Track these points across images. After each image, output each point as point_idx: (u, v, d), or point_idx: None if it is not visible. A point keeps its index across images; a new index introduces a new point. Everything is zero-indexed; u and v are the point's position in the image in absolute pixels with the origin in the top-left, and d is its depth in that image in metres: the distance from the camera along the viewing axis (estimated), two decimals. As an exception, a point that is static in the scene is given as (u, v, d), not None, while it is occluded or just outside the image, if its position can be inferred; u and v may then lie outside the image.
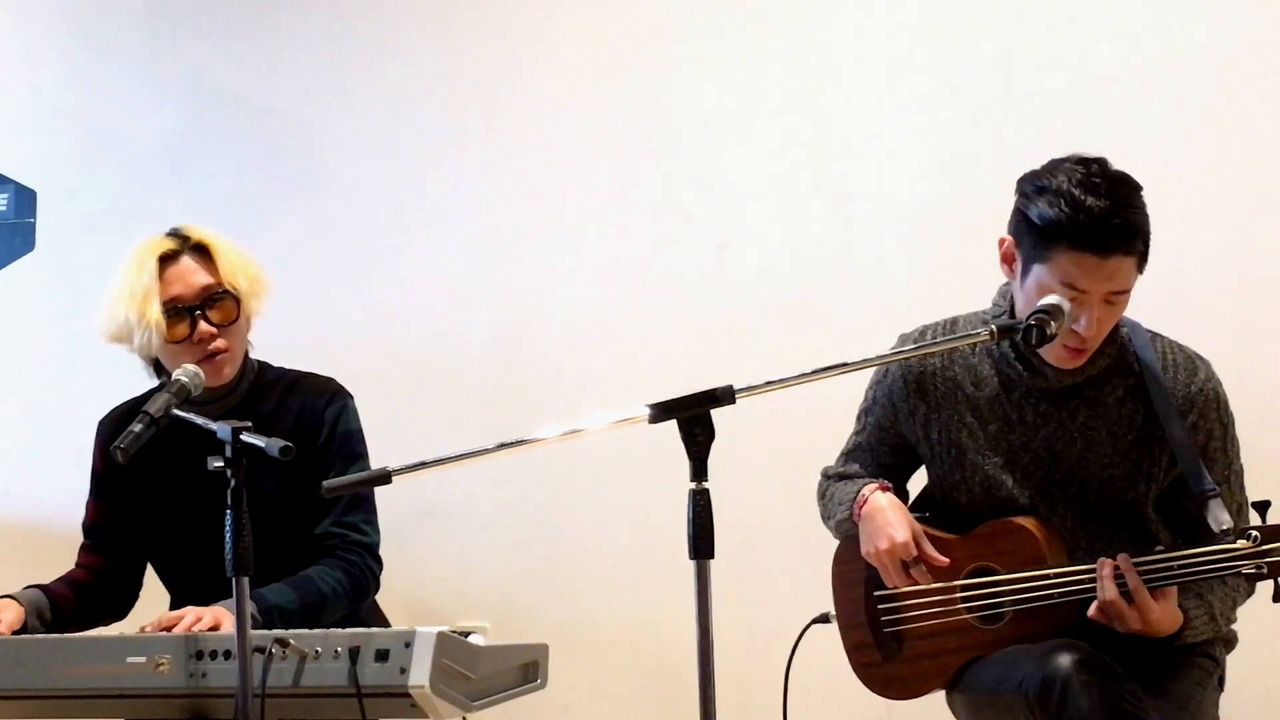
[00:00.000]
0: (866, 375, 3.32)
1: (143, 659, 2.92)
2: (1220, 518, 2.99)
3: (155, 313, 3.33)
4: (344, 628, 2.91)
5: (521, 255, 4.77)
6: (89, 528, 3.55)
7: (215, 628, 3.06)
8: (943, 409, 3.21)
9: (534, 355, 4.75)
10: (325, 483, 2.82)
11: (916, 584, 3.15)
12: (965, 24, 4.40)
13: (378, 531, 3.47)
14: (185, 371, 3.21)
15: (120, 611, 3.56)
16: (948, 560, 3.14)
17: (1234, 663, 3.23)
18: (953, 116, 4.41)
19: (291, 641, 2.83)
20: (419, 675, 2.74)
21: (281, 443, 2.81)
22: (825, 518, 3.39)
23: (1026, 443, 3.14)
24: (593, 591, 4.67)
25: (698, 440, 2.56)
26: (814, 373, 2.70)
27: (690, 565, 2.55)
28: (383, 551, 3.47)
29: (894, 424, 3.29)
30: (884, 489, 3.23)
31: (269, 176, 4.98)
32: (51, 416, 5.00)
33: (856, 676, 3.34)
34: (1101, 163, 3.01)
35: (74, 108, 5.13)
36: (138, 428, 3.02)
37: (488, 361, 4.79)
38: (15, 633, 3.25)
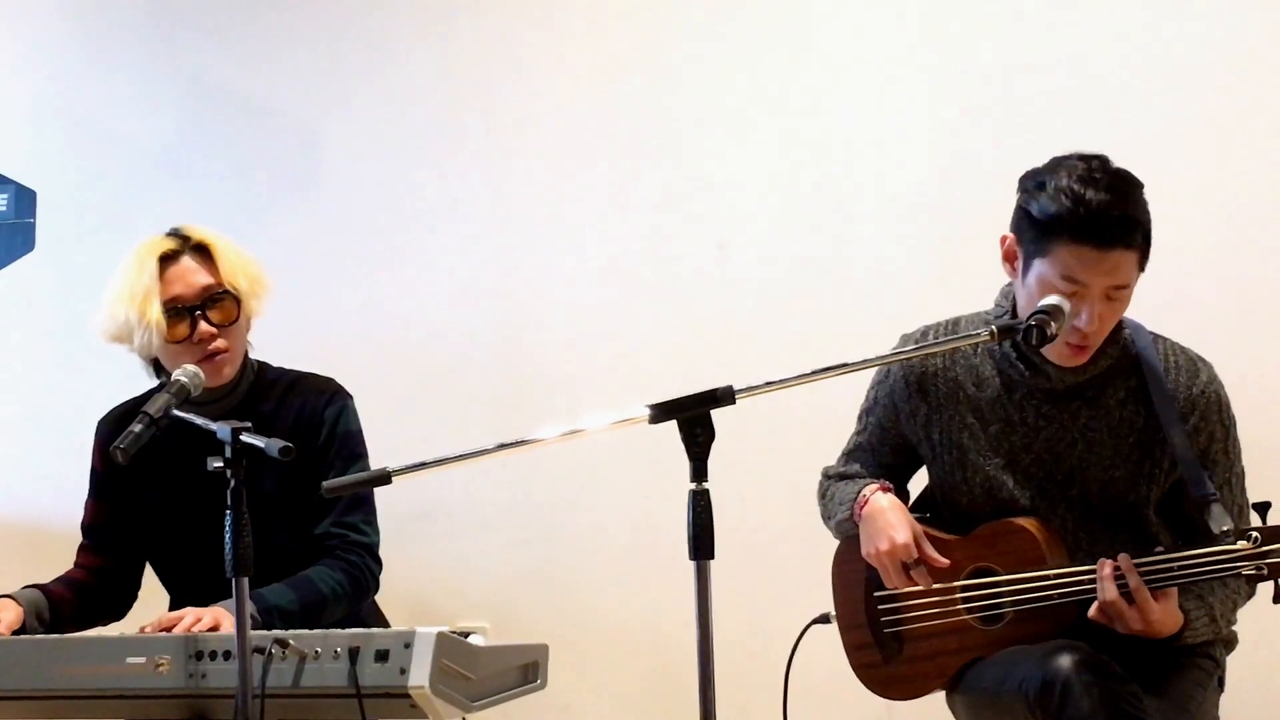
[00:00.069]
0: (867, 375, 3.32)
1: (142, 659, 2.92)
2: (1221, 522, 2.99)
3: (155, 313, 3.33)
4: (344, 628, 2.90)
5: (522, 255, 4.77)
6: (88, 528, 3.55)
7: (215, 628, 3.06)
8: (944, 409, 3.21)
9: (534, 355, 4.75)
10: (325, 483, 2.82)
11: (916, 585, 3.15)
12: (965, 24, 4.40)
13: (377, 532, 3.47)
14: (185, 372, 3.21)
15: (119, 612, 3.56)
16: (948, 562, 3.14)
17: (1234, 663, 3.23)
18: (953, 116, 4.40)
19: (291, 642, 2.83)
20: (419, 676, 2.74)
21: (281, 443, 2.81)
22: (826, 517, 3.39)
23: (1028, 444, 3.14)
24: (593, 591, 4.67)
25: (698, 441, 2.56)
26: (814, 373, 2.70)
27: (690, 565, 2.55)
28: (383, 551, 3.47)
29: (895, 424, 3.29)
30: (885, 490, 3.23)
31: (269, 176, 4.98)
32: (51, 416, 5.00)
33: (856, 677, 3.34)
34: (1103, 159, 3.02)
35: (74, 108, 5.13)
36: (137, 428, 3.02)
37: (487, 361, 4.79)
38: (15, 633, 3.26)
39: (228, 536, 2.79)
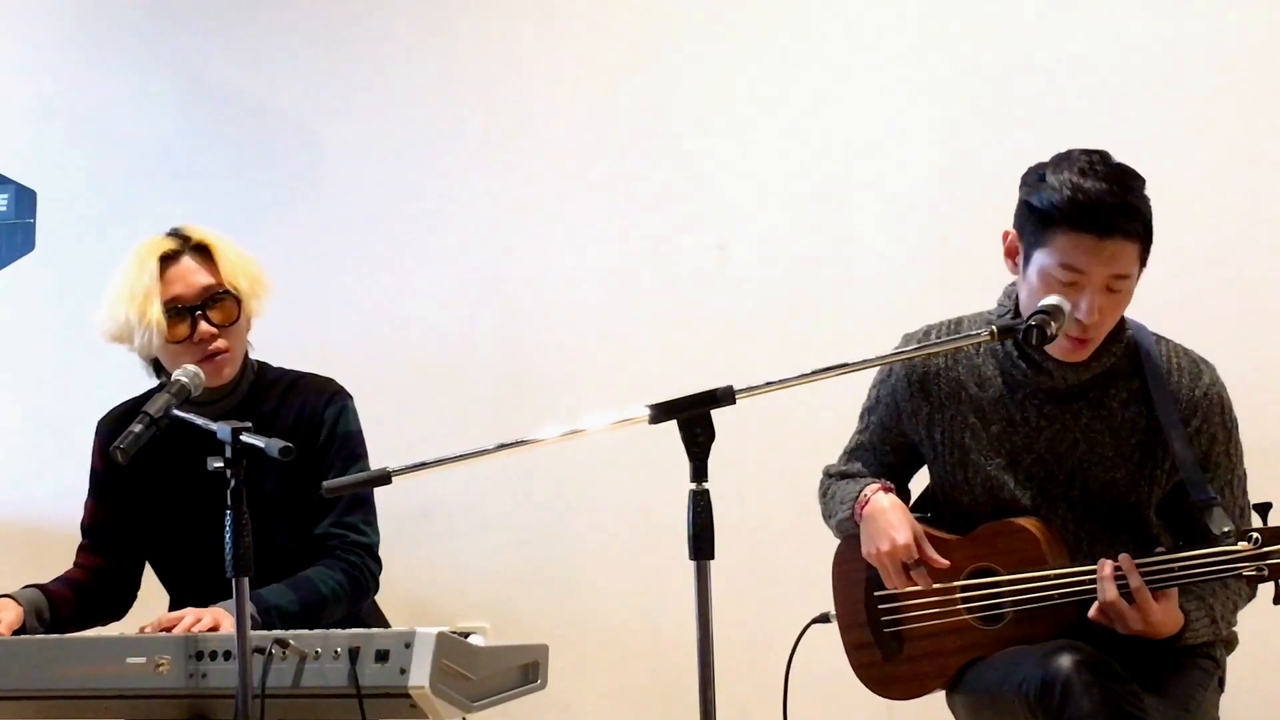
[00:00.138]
0: (867, 375, 3.32)
1: (142, 659, 2.92)
2: (1221, 524, 2.98)
3: (156, 313, 3.33)
4: (344, 628, 2.90)
5: (521, 255, 4.77)
6: (88, 528, 3.55)
7: (215, 628, 3.06)
8: (946, 409, 3.21)
9: (534, 355, 4.75)
10: (325, 483, 2.81)
11: (916, 586, 3.15)
12: (965, 24, 4.40)
13: (377, 532, 3.47)
14: (185, 372, 3.21)
15: (119, 612, 3.56)
16: (948, 563, 3.14)
17: (1234, 663, 3.23)
18: (953, 116, 4.40)
19: (291, 642, 2.83)
20: (419, 676, 2.74)
21: (281, 443, 2.81)
22: (826, 516, 3.39)
23: (1029, 444, 3.14)
24: (593, 591, 4.67)
25: (698, 441, 2.56)
26: (814, 373, 2.70)
27: (690, 565, 2.55)
28: (383, 551, 3.47)
29: (897, 423, 3.29)
30: (886, 489, 3.22)
31: (269, 176, 4.98)
32: (51, 416, 5.00)
33: (856, 677, 3.34)
34: (1103, 154, 3.02)
35: (74, 108, 5.13)
36: (137, 428, 3.02)
37: (488, 361, 4.79)
38: (15, 633, 3.25)
39: (228, 537, 2.79)
